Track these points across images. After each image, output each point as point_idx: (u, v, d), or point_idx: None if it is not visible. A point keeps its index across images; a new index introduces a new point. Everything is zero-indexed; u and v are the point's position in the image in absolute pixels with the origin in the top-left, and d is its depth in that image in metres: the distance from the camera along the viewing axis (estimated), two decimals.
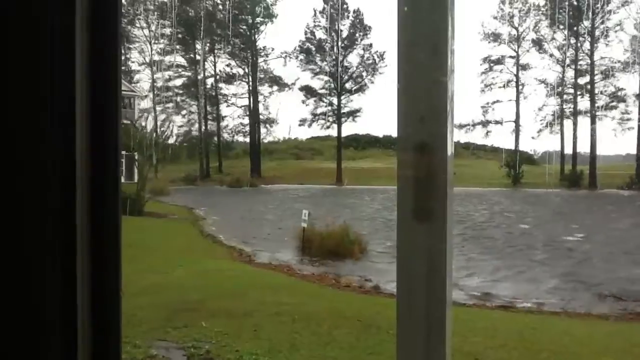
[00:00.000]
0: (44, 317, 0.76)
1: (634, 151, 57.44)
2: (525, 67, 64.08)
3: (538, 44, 62.30)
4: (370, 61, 67.61)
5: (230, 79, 70.60)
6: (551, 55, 62.11)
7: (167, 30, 69.10)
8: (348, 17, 67.32)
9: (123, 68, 67.79)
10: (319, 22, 67.63)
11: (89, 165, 0.79)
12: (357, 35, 67.58)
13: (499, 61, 64.70)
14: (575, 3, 56.85)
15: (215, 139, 71.21)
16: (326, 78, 67.48)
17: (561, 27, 57.89)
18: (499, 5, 63.83)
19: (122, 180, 34.47)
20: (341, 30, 67.20)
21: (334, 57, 67.47)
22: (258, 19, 68.15)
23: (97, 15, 0.80)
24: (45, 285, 0.75)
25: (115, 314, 0.82)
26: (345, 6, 66.69)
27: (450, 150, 0.88)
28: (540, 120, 63.52)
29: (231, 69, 70.42)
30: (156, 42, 69.81)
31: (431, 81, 0.87)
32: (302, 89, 69.19)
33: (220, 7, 68.83)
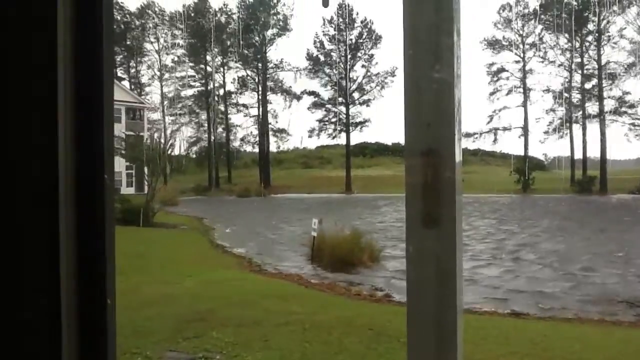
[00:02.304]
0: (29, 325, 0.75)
1: None
2: (531, 72, 64.01)
3: (543, 49, 62.26)
4: (379, 70, 67.74)
5: (240, 89, 70.92)
6: (553, 62, 61.98)
7: (178, 42, 69.61)
8: (356, 27, 67.50)
9: (133, 80, 68.34)
10: (328, 31, 67.85)
11: (74, 164, 0.78)
12: (365, 44, 67.71)
13: (505, 68, 64.67)
14: (577, 7, 56.66)
15: (225, 149, 71.46)
16: (335, 87, 67.58)
17: (565, 32, 57.75)
18: (501, 12, 63.94)
19: (132, 191, 34.69)
20: (350, 40, 67.38)
21: (342, 67, 67.61)
22: (270, 31, 68.51)
23: (81, 12, 0.79)
24: (28, 292, 0.75)
25: (103, 324, 0.80)
26: (354, 16, 66.90)
27: (458, 156, 0.88)
28: (548, 125, 63.30)
29: (241, 80, 70.75)
30: (167, 53, 70.39)
31: (438, 87, 0.87)
32: (311, 100, 69.35)
33: (232, 18, 69.31)
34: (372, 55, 67.60)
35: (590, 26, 58.86)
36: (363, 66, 67.94)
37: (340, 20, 65.85)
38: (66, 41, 0.77)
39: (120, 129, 44.48)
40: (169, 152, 32.83)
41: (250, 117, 71.26)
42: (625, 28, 58.07)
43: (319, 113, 69.42)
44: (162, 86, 70.83)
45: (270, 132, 69.83)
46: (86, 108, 0.79)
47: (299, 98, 69.52)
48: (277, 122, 70.52)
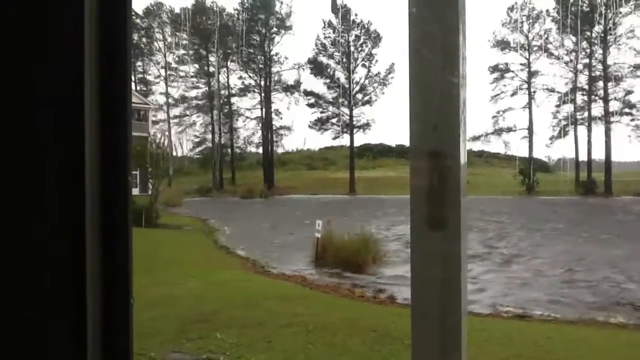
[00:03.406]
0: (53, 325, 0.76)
1: None
2: (536, 74, 63.87)
3: (548, 50, 62.10)
4: (382, 71, 67.70)
5: (244, 89, 71.02)
6: (560, 59, 61.76)
7: (182, 42, 69.79)
8: (357, 27, 67.47)
9: (140, 80, 68.43)
10: (329, 33, 67.84)
11: (99, 166, 0.79)
12: (367, 45, 67.70)
13: (510, 68, 64.54)
14: (585, 9, 56.52)
15: (229, 150, 71.55)
16: (337, 88, 67.56)
17: (572, 33, 57.60)
18: (507, 13, 63.80)
19: (137, 192, 34.76)
20: (352, 41, 67.38)
21: (345, 68, 67.64)
22: (272, 30, 68.61)
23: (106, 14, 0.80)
24: (52, 291, 0.76)
25: (126, 323, 0.81)
26: (354, 17, 66.89)
27: (463, 158, 0.88)
28: (554, 126, 63.11)
29: (244, 80, 70.89)
30: (171, 53, 70.59)
31: (443, 88, 0.87)
32: (312, 100, 69.35)
33: (235, 18, 69.43)
34: (372, 55, 67.60)
35: (598, 28, 58.74)
36: (364, 65, 67.94)
37: (340, 21, 65.84)
38: (92, 40, 0.78)
39: None
40: (172, 153, 32.91)
41: (253, 118, 71.38)
42: (634, 30, 57.85)
43: (322, 114, 69.43)
44: (167, 87, 71.02)
45: (274, 131, 69.93)
46: (111, 108, 0.81)
47: (301, 98, 69.63)
48: (281, 119, 70.61)
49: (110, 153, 0.80)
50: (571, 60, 61.17)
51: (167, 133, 64.31)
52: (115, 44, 0.81)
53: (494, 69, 64.81)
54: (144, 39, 70.30)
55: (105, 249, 0.79)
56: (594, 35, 58.75)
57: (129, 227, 0.82)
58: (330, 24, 66.71)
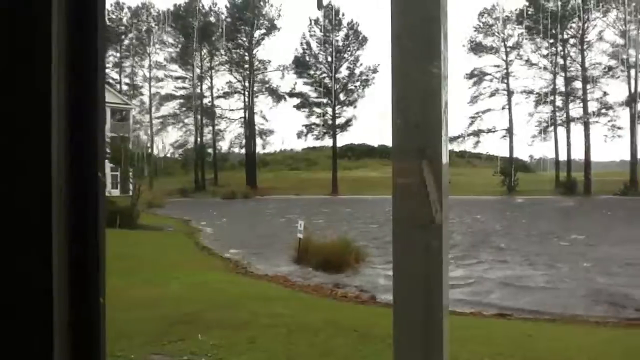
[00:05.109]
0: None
1: (627, 157, 57.88)
2: (513, 76, 64.62)
3: (525, 52, 62.94)
4: (365, 71, 67.88)
5: (227, 90, 70.76)
6: (536, 65, 62.58)
7: (166, 42, 69.38)
8: (343, 28, 67.57)
9: (125, 81, 67.68)
10: (314, 33, 67.86)
11: (66, 165, 0.78)
12: (351, 46, 67.83)
13: (487, 71, 65.27)
14: (557, 11, 57.20)
15: (211, 150, 71.25)
16: (320, 89, 67.60)
17: (548, 35, 58.30)
18: (483, 16, 64.43)
19: (118, 193, 34.45)
20: (336, 41, 67.47)
21: (328, 68, 67.71)
22: (257, 32, 68.48)
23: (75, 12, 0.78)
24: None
25: (96, 324, 0.80)
26: (340, 18, 66.97)
27: (445, 157, 0.88)
28: (536, 126, 63.82)
29: (228, 80, 70.65)
30: (156, 53, 70.15)
31: (426, 89, 0.88)
32: (297, 101, 69.35)
33: (221, 18, 69.18)
34: (357, 57, 67.78)
35: (572, 30, 59.62)
36: (348, 68, 68.09)
37: (327, 21, 65.94)
38: (60, 40, 0.76)
39: (106, 131, 44.05)
40: (154, 154, 32.71)
41: (237, 119, 71.13)
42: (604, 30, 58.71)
43: (306, 114, 69.44)
44: (150, 87, 70.51)
45: (257, 133, 69.79)
46: (80, 107, 0.79)
47: (285, 99, 69.57)
48: (263, 123, 70.44)
49: (80, 152, 0.79)
50: (547, 65, 62.04)
51: (148, 133, 63.91)
52: (86, 39, 0.79)
53: (470, 75, 65.49)
54: (129, 38, 69.83)
55: (74, 249, 0.78)
56: (566, 37, 59.67)
57: (100, 227, 0.81)
58: (316, 22, 66.76)
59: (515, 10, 61.79)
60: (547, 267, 15.12)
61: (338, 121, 67.58)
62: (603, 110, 59.57)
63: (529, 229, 25.32)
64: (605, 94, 59.15)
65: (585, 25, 58.64)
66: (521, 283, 13.13)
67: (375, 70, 66.37)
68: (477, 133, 65.63)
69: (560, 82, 61.92)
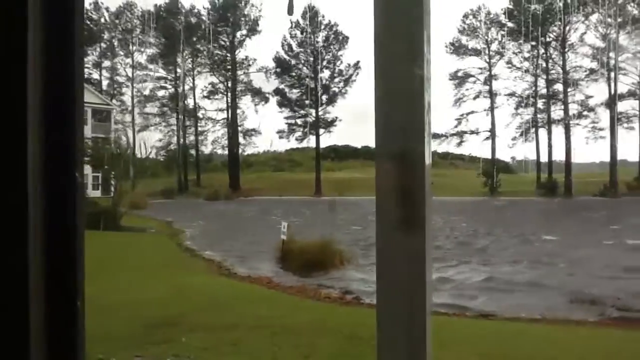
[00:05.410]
0: None
1: (607, 159, 58.64)
2: (496, 78, 65.16)
3: (507, 55, 63.56)
4: (347, 72, 68.00)
5: (210, 91, 70.45)
6: (519, 68, 63.21)
7: (149, 42, 68.95)
8: (324, 29, 67.64)
9: (108, 81, 67.10)
10: (296, 34, 67.83)
11: (43, 163, 0.76)
12: (333, 47, 67.91)
13: (470, 73, 65.74)
14: (538, 14, 57.82)
15: (194, 151, 70.87)
16: (303, 89, 67.60)
17: (530, 37, 58.91)
18: (466, 19, 64.88)
19: (99, 195, 34.14)
20: (318, 42, 67.49)
21: (311, 69, 67.72)
22: (239, 33, 68.31)
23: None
24: None
25: (73, 327, 0.79)
26: (320, 19, 67.00)
27: (428, 159, 0.88)
28: (518, 128, 64.39)
29: (211, 81, 70.34)
30: (139, 53, 69.70)
31: (408, 91, 0.88)
32: (279, 101, 69.28)
33: (202, 19, 68.92)
34: (338, 57, 67.86)
35: (554, 33, 60.31)
36: (327, 68, 68.19)
37: (307, 23, 65.91)
38: (36, 41, 0.75)
39: (87, 131, 43.73)
40: (135, 155, 32.44)
41: (220, 120, 70.83)
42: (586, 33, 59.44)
43: (288, 115, 69.40)
44: (132, 88, 69.99)
45: (240, 134, 69.55)
46: (57, 107, 0.78)
47: (268, 100, 69.44)
48: (244, 123, 70.24)
49: (57, 152, 0.78)
50: (528, 68, 62.72)
51: (129, 134, 63.40)
52: (63, 39, 0.78)
53: (453, 76, 65.92)
54: (109, 38, 69.31)
55: (51, 251, 0.77)
56: (548, 40, 60.33)
57: (79, 228, 0.80)
58: (297, 25, 66.71)
59: (499, 12, 62.40)
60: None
61: (321, 122, 67.66)
62: (584, 113, 60.38)
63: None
64: (587, 97, 59.98)
65: (567, 28, 59.36)
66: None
67: (357, 67, 66.54)
68: (460, 134, 66.10)
69: (541, 84, 62.63)
